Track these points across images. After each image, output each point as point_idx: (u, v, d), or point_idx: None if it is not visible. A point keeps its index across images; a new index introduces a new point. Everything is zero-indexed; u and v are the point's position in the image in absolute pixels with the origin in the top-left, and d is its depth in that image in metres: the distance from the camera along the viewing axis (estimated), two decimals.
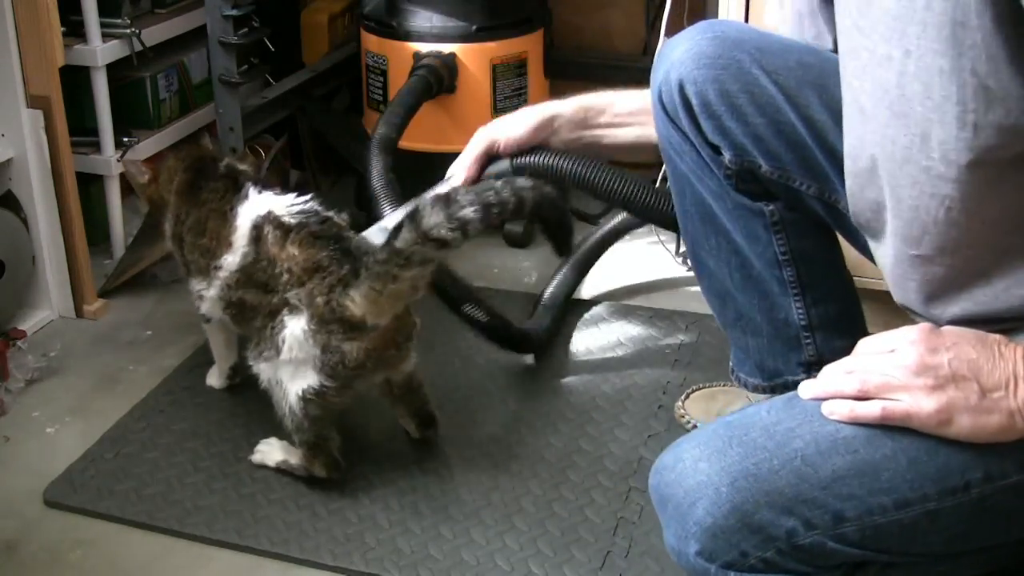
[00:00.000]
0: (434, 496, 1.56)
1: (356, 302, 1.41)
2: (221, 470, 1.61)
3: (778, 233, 1.34)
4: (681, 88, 1.27)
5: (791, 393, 1.02)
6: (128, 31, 2.08)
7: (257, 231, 1.51)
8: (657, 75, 1.31)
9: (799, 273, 1.36)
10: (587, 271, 2.08)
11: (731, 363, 1.51)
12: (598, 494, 1.56)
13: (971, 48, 0.89)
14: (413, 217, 1.35)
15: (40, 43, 1.87)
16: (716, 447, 0.97)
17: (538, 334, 1.87)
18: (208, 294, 1.59)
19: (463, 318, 1.73)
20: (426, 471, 1.61)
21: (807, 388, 1.01)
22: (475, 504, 1.54)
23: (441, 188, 1.46)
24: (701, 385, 1.72)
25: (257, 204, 1.54)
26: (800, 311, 1.37)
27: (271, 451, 1.61)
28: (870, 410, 0.95)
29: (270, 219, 1.51)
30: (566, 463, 1.62)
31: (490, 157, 1.50)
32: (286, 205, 1.53)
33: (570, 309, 2.02)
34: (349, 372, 1.46)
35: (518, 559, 1.44)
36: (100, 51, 2.03)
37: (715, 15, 1.93)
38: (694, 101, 1.26)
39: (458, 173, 1.49)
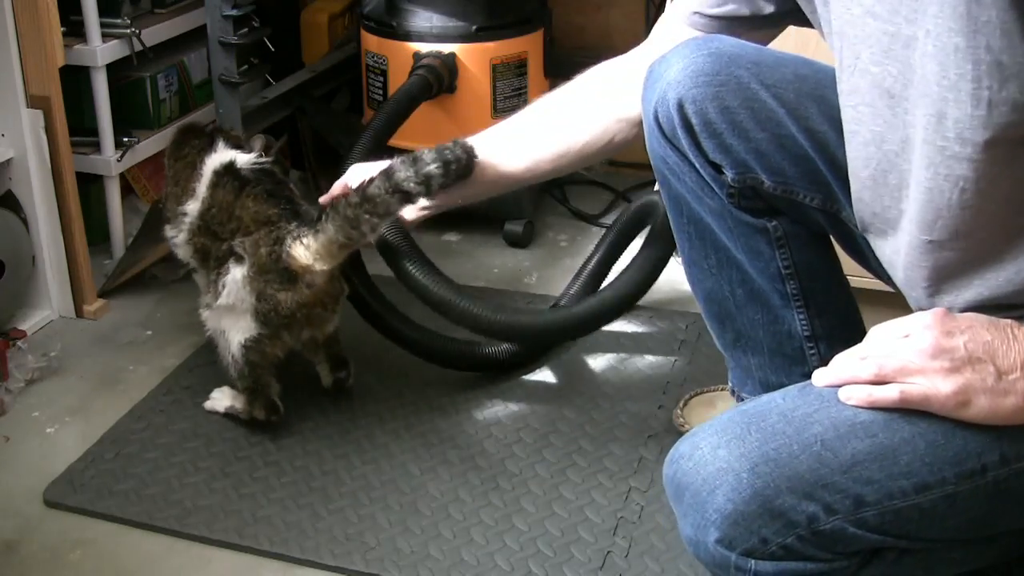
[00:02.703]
0: (434, 496, 1.56)
1: (312, 247, 1.54)
2: (221, 470, 1.62)
3: (781, 248, 1.33)
4: (681, 107, 1.24)
5: (804, 382, 1.02)
6: (128, 31, 2.07)
7: (216, 178, 1.63)
8: (651, 95, 1.29)
9: (802, 285, 1.36)
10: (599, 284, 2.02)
11: (731, 384, 1.51)
12: (598, 494, 1.56)
13: (986, 24, 0.89)
14: (387, 172, 1.49)
15: (40, 43, 1.87)
16: (734, 434, 0.97)
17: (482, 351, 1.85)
18: (178, 240, 1.71)
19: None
20: (425, 471, 1.61)
21: (821, 376, 1.01)
22: (475, 504, 1.54)
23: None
24: (700, 390, 1.71)
25: (222, 155, 1.66)
26: (804, 323, 1.38)
27: (222, 398, 1.72)
28: (888, 394, 0.96)
29: (231, 169, 1.63)
30: (566, 463, 1.62)
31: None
32: (247, 161, 1.65)
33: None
34: (280, 321, 1.59)
35: (518, 559, 1.44)
36: (100, 51, 2.03)
37: None
38: (694, 120, 1.24)
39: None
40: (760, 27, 1.30)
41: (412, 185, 1.47)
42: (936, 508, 0.96)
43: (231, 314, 1.61)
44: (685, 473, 0.99)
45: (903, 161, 1.03)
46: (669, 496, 1.02)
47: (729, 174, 1.27)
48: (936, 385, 0.94)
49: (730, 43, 1.26)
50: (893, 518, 0.96)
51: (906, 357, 0.96)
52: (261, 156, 1.68)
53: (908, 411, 0.96)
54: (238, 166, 1.64)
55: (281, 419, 1.67)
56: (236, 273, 1.58)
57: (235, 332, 1.61)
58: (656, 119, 1.29)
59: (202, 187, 1.65)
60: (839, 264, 1.40)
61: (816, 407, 0.98)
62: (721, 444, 0.97)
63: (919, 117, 0.98)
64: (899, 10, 0.97)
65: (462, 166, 1.47)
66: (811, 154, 1.24)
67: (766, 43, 1.33)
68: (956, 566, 1.05)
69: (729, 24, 1.31)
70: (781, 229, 1.32)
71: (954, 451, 0.95)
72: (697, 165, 1.29)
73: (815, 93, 1.23)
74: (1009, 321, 0.97)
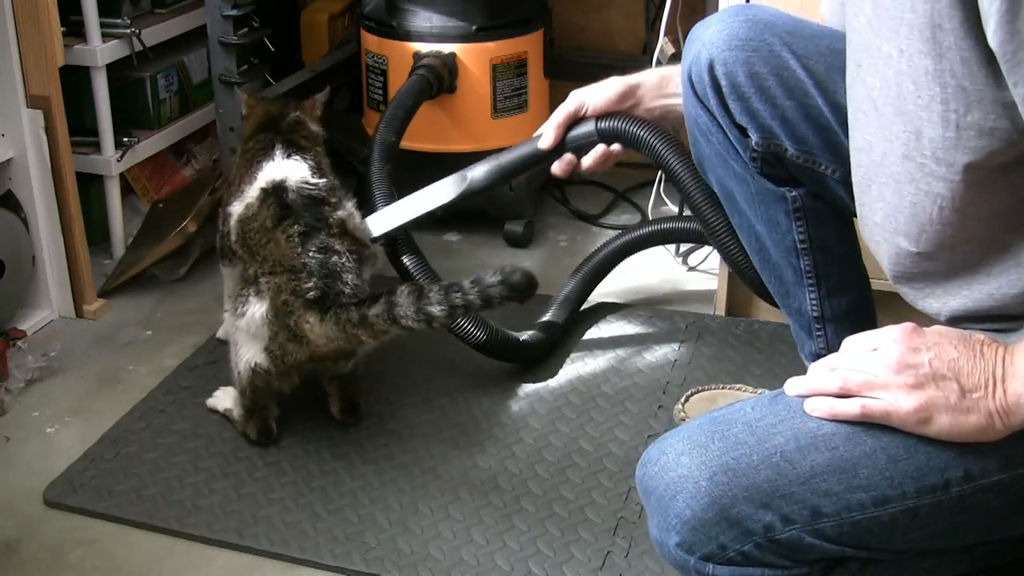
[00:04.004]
0: (434, 496, 1.56)
1: (315, 331, 1.50)
2: (221, 470, 1.62)
3: (799, 220, 1.34)
4: (711, 68, 1.27)
5: (778, 390, 1.03)
6: (128, 31, 2.08)
7: (264, 195, 1.59)
8: (688, 55, 1.32)
9: (816, 263, 1.36)
10: (597, 283, 2.03)
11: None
12: (598, 494, 1.56)
13: (948, 50, 0.90)
14: (390, 297, 1.46)
15: (40, 43, 1.87)
16: (698, 441, 0.99)
17: (533, 343, 1.85)
18: (230, 236, 1.67)
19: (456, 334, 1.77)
20: (426, 471, 1.61)
21: (793, 385, 1.02)
22: (475, 504, 1.54)
23: (526, 147, 1.59)
24: (700, 387, 1.72)
25: (277, 168, 1.62)
26: (814, 302, 1.38)
27: (224, 398, 1.71)
28: (850, 408, 0.96)
29: (279, 190, 1.58)
30: (566, 463, 1.62)
31: (576, 119, 1.54)
32: (299, 181, 1.59)
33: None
34: (288, 367, 1.58)
35: (518, 559, 1.44)
36: (100, 51, 2.03)
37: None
38: (723, 82, 1.27)
39: (546, 133, 1.56)
40: None
41: (411, 322, 1.46)
42: (896, 521, 0.96)
43: (246, 333, 1.58)
44: (651, 477, 1.00)
45: (880, 174, 1.03)
46: (641, 497, 1.04)
47: (754, 137, 1.29)
48: (898, 401, 0.94)
49: (768, 11, 1.29)
50: (852, 530, 0.96)
51: (871, 371, 0.96)
52: (315, 173, 1.62)
53: (871, 425, 0.96)
54: (287, 186, 1.58)
55: (272, 442, 1.65)
56: (256, 310, 1.54)
57: (246, 350, 1.58)
58: (690, 79, 1.32)
59: (251, 193, 1.61)
60: (858, 250, 1.40)
61: (782, 418, 0.99)
62: (685, 451, 0.99)
63: (898, 133, 0.98)
64: (881, 27, 0.98)
65: (475, 310, 1.48)
66: (835, 126, 1.25)
67: None
68: (927, 575, 1.05)
69: None
70: (800, 200, 1.33)
71: (916, 466, 0.95)
72: (724, 127, 1.31)
73: (846, 68, 1.23)
74: (981, 337, 0.96)
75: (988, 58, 0.89)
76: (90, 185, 2.14)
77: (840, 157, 1.27)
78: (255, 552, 1.47)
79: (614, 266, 2.02)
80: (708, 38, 1.28)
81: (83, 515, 1.54)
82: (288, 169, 1.61)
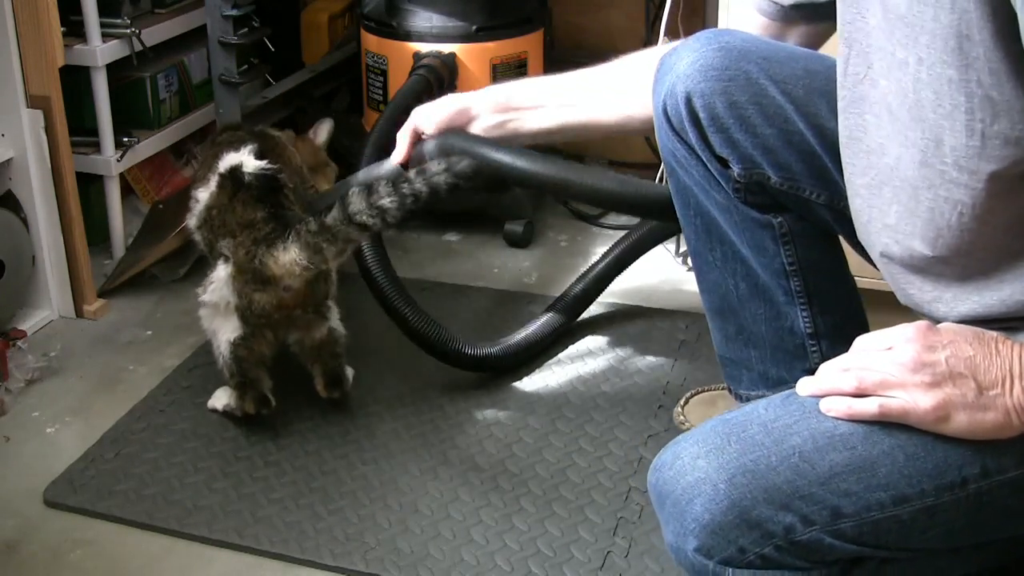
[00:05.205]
0: (434, 496, 1.56)
1: (279, 262, 1.55)
2: (221, 470, 1.62)
3: (786, 245, 1.34)
4: (688, 101, 1.25)
5: (789, 391, 1.02)
6: (128, 31, 2.08)
7: (221, 179, 1.64)
8: (661, 88, 1.30)
9: (806, 283, 1.36)
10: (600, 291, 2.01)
11: (727, 385, 1.51)
12: (598, 494, 1.56)
13: (976, 60, 0.90)
14: (342, 201, 1.50)
15: (40, 43, 1.87)
16: (714, 444, 0.98)
17: (494, 355, 1.83)
18: (191, 225, 1.72)
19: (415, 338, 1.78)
20: (425, 471, 1.61)
21: (805, 385, 1.01)
22: (475, 504, 1.54)
23: (382, 167, 1.61)
24: (701, 389, 1.71)
25: (235, 158, 1.66)
26: (807, 320, 1.38)
27: (222, 396, 1.73)
28: (867, 407, 0.96)
29: (234, 173, 1.63)
30: (566, 463, 1.62)
31: (418, 137, 1.59)
32: (255, 166, 1.64)
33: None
34: (258, 319, 1.61)
35: (518, 559, 1.44)
36: (100, 51, 2.03)
37: (714, 15, 1.93)
38: (702, 115, 1.25)
39: (394, 155, 1.60)
40: (825, 17, 1.28)
41: (366, 218, 1.48)
42: (915, 520, 0.95)
43: (219, 314, 1.63)
44: (666, 482, 0.99)
45: (895, 178, 1.03)
46: (653, 503, 1.02)
47: (735, 169, 1.27)
48: (916, 400, 0.94)
49: (740, 37, 1.27)
50: (871, 529, 0.96)
51: (887, 370, 0.95)
52: (268, 161, 1.66)
53: (888, 424, 0.96)
54: (243, 170, 1.63)
55: (271, 410, 1.67)
56: (221, 272, 1.60)
57: (224, 332, 1.63)
58: (665, 112, 1.30)
59: (213, 181, 1.66)
60: (845, 263, 1.40)
61: (797, 418, 0.98)
62: (701, 454, 0.98)
63: (915, 140, 0.98)
64: (895, 32, 0.97)
65: (422, 200, 1.47)
66: (818, 151, 1.24)
67: (827, 35, 1.32)
68: (942, 573, 1.05)
69: (797, 12, 1.31)
70: (787, 225, 1.32)
71: (933, 464, 0.95)
72: (704, 159, 1.29)
73: (825, 89, 1.22)
74: (994, 334, 0.96)
75: (1018, 70, 0.88)
76: (90, 185, 2.14)
77: (824, 181, 1.26)
78: (255, 552, 1.47)
79: (618, 273, 2.01)
80: (682, 70, 1.25)
81: (83, 515, 1.54)
82: (244, 158, 1.65)
